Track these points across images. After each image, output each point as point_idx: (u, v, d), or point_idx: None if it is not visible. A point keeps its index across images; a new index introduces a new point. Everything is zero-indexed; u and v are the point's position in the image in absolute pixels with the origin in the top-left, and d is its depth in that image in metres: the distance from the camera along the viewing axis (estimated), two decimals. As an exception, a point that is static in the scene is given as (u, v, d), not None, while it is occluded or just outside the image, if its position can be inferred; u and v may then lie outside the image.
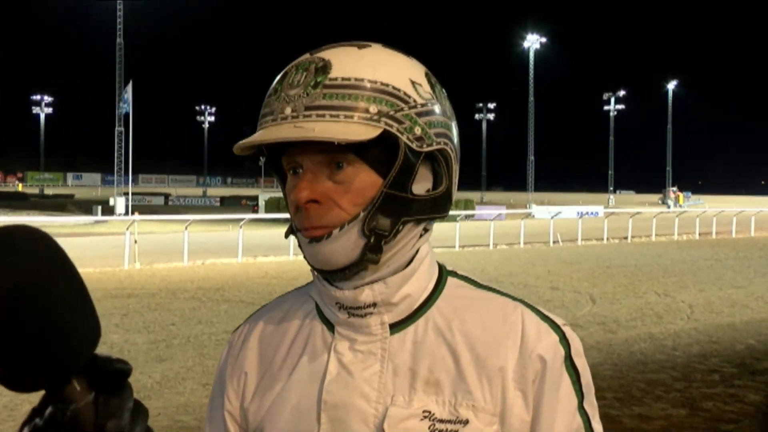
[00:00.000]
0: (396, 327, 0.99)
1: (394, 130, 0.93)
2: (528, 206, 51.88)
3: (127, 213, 36.48)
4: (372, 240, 0.94)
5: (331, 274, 0.97)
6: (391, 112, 0.93)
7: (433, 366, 0.97)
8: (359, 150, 0.92)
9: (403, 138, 0.93)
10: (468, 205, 41.74)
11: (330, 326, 1.01)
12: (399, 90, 0.94)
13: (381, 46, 0.99)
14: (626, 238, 27.33)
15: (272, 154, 0.99)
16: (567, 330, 1.00)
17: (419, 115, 0.95)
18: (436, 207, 0.98)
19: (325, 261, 0.95)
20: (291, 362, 1.02)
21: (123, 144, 48.55)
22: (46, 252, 0.70)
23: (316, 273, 1.00)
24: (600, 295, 12.72)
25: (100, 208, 40.05)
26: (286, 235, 1.03)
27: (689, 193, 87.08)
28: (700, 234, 29.98)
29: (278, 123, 0.93)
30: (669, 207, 55.19)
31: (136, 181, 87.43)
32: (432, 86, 0.99)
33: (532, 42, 74.77)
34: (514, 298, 1.02)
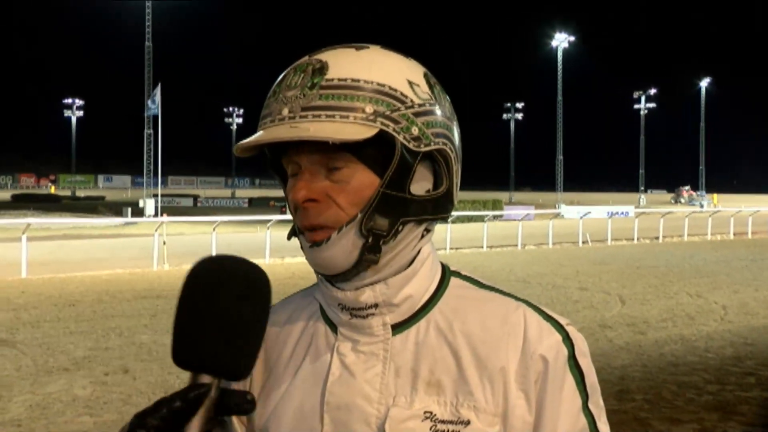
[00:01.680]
0: (398, 328, 0.99)
1: (390, 130, 0.93)
2: (557, 206, 51.47)
3: (156, 214, 36.82)
4: (370, 240, 0.94)
5: (332, 276, 0.98)
6: (387, 112, 0.93)
7: (435, 367, 0.97)
8: (356, 150, 0.92)
9: (400, 138, 0.93)
10: (496, 205, 41.47)
11: (333, 327, 1.02)
12: (396, 90, 0.94)
13: (380, 47, 1.00)
14: (657, 238, 26.96)
15: (274, 155, 1.00)
16: (571, 330, 1.00)
17: (416, 115, 0.95)
18: (437, 208, 0.98)
19: (325, 265, 0.96)
20: (295, 363, 1.03)
21: (152, 146, 49.11)
22: (264, 283, 0.89)
23: (319, 275, 1.01)
24: (630, 296, 12.54)
25: (129, 209, 40.46)
26: (289, 237, 1.03)
27: (703, 192, 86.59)
28: (734, 234, 29.47)
29: (276, 124, 0.94)
30: (702, 206, 54.52)
31: (166, 182, 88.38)
32: (431, 87, 0.99)
33: (561, 41, 74.22)
34: (517, 298, 1.02)
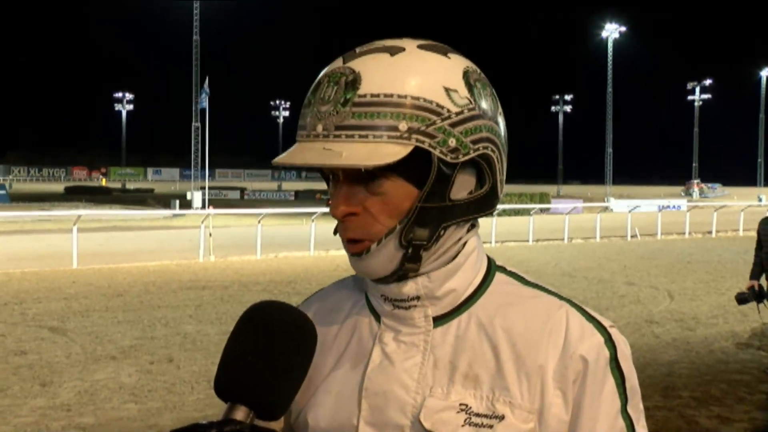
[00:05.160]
0: (440, 320, 1.00)
1: (425, 146, 0.92)
2: (606, 200, 50.68)
3: (203, 207, 37.34)
4: (410, 251, 0.95)
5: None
6: (422, 128, 0.92)
7: (473, 361, 0.98)
8: (392, 165, 0.91)
9: (436, 152, 0.92)
10: (543, 198, 41.05)
11: (377, 317, 1.03)
12: (431, 102, 0.92)
13: (416, 46, 0.96)
14: (710, 232, 26.36)
15: None
16: (614, 332, 0.99)
17: (453, 125, 0.93)
18: (481, 206, 0.99)
19: (367, 274, 0.99)
20: (338, 349, 1.05)
21: (200, 139, 49.81)
22: (312, 336, 0.95)
23: None
24: (679, 291, 12.26)
25: (177, 202, 41.12)
26: (335, 232, 1.03)
27: (715, 185, 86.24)
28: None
29: (311, 140, 0.94)
30: (760, 200, 53.09)
31: (213, 175, 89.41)
32: (470, 87, 0.96)
33: (611, 31, 73.03)
34: (561, 297, 1.01)
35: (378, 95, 0.92)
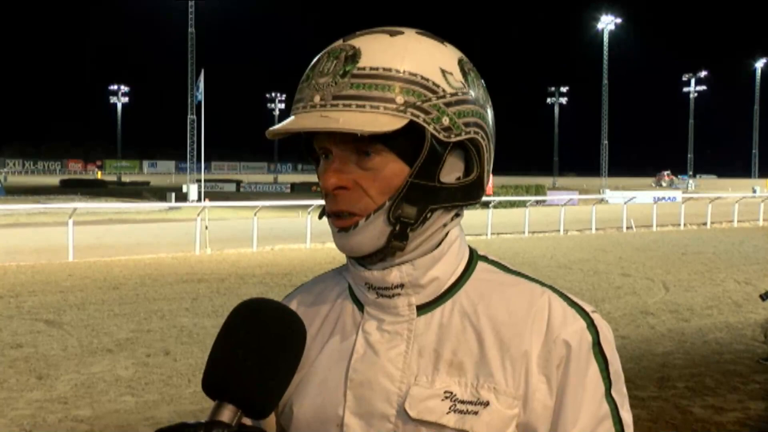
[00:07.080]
0: (423, 309, 1.00)
1: (420, 121, 0.93)
2: (601, 191, 50.74)
3: (199, 200, 37.26)
4: (397, 228, 0.95)
5: (360, 257, 1.00)
6: (418, 103, 0.93)
7: (457, 348, 0.98)
8: (386, 139, 0.93)
9: (430, 128, 0.94)
10: (539, 190, 41.06)
11: (360, 306, 1.03)
12: (428, 80, 0.94)
13: (414, 32, 0.99)
14: (705, 224, 26.41)
15: (307, 137, 1.02)
16: (596, 317, 0.99)
17: (448, 105, 0.95)
18: (467, 194, 0.99)
19: (352, 250, 0.98)
20: (321, 340, 1.05)
21: (196, 132, 49.78)
22: (301, 334, 0.96)
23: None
24: (674, 282, 12.30)
25: (173, 194, 41.03)
26: (320, 217, 1.04)
27: (685, 176, 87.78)
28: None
29: (308, 111, 0.95)
30: (754, 191, 53.26)
31: (209, 168, 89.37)
32: (465, 74, 0.98)
33: (607, 23, 73.00)
34: (543, 284, 1.02)
35: (377, 68, 0.93)
